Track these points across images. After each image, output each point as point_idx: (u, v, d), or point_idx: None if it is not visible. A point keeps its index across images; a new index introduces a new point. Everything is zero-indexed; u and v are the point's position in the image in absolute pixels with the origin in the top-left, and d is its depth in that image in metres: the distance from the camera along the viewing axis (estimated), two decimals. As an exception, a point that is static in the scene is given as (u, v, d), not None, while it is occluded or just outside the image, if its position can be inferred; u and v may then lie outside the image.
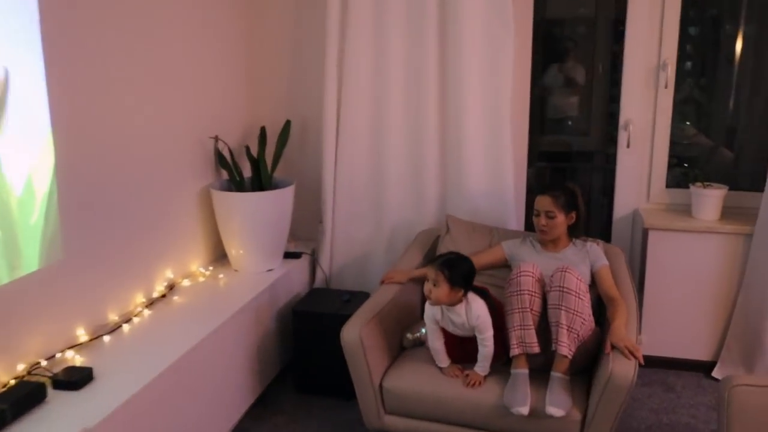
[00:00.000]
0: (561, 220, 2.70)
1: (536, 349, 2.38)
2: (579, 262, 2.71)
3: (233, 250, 3.14)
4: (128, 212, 2.59)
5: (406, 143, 3.31)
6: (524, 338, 2.39)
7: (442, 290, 2.39)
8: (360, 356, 2.48)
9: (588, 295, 2.40)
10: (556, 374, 2.37)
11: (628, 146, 3.32)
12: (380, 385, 2.54)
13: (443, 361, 2.50)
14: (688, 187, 3.29)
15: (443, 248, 3.01)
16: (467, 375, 2.45)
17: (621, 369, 2.22)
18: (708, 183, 3.21)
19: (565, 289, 2.35)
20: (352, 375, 2.56)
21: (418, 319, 3.02)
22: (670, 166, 3.37)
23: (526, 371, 2.40)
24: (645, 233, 3.22)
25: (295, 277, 3.34)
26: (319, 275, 3.49)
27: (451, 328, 2.49)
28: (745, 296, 3.10)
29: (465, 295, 2.45)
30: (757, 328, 3.06)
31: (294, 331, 3.07)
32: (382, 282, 2.86)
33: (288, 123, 3.35)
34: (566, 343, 2.34)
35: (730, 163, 3.68)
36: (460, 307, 2.45)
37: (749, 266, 3.08)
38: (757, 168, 3.46)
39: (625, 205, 3.42)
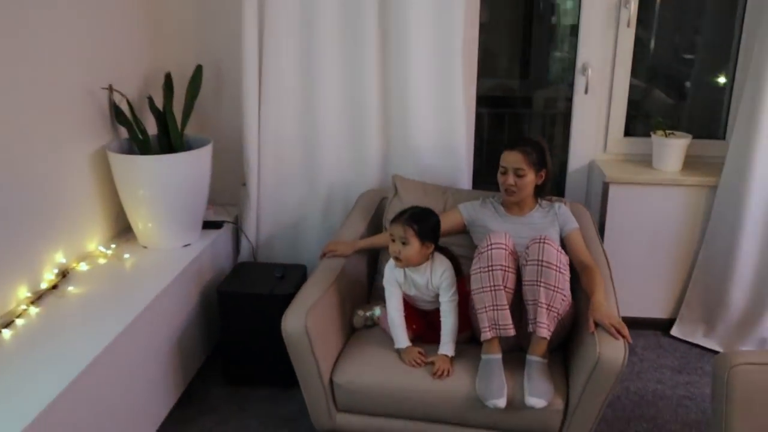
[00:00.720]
0: (530, 179, 2.37)
1: (512, 332, 2.06)
2: (547, 226, 2.41)
3: (140, 224, 2.62)
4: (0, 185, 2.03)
5: (343, 92, 2.85)
6: (498, 320, 2.07)
7: (413, 247, 2.14)
8: (306, 350, 2.09)
9: (568, 268, 2.09)
10: (533, 358, 2.07)
11: (586, 92, 3.02)
12: (330, 380, 2.17)
13: (402, 339, 2.17)
14: (647, 136, 3.04)
15: (391, 213, 2.62)
16: (432, 362, 2.12)
17: (610, 352, 1.94)
18: (670, 132, 2.97)
19: (544, 263, 2.03)
20: (296, 370, 2.17)
21: (368, 295, 2.65)
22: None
23: (499, 356, 2.09)
24: (605, 187, 2.95)
25: (218, 251, 2.87)
26: (245, 246, 3.03)
27: (413, 292, 2.19)
28: (706, 251, 2.93)
29: (432, 252, 2.21)
30: (719, 284, 2.90)
31: (220, 315, 2.62)
32: (323, 256, 2.45)
33: (199, 69, 2.80)
34: (546, 324, 2.04)
35: (669, 107, 3.46)
36: (425, 266, 2.22)
37: (712, 220, 2.89)
38: (703, 113, 3.27)
39: (581, 156, 3.15)
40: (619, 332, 1.97)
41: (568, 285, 2.08)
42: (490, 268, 2.06)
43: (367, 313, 2.41)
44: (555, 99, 3.75)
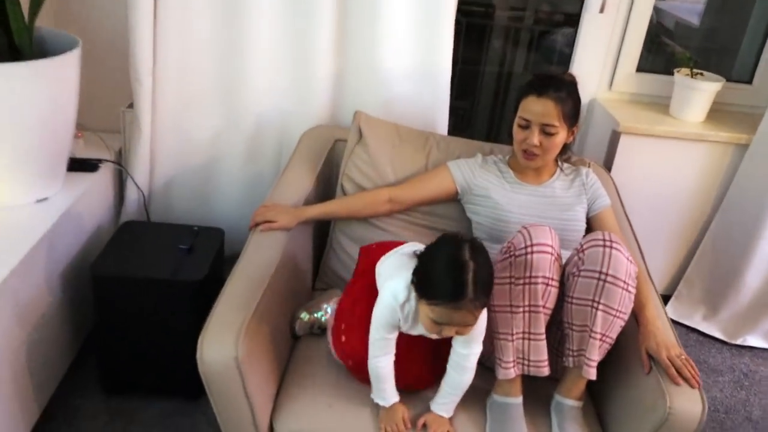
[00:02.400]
0: (561, 139, 1.67)
1: (545, 372, 1.42)
2: (573, 201, 1.75)
3: (-34, 166, 1.69)
4: None
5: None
6: (528, 353, 1.41)
7: (479, 322, 1.34)
8: (236, 391, 1.36)
9: (635, 282, 1.44)
10: (568, 402, 1.46)
11: (601, 10, 2.30)
12: (270, 429, 1.46)
13: (390, 395, 1.44)
14: (668, 74, 2.40)
15: (354, 167, 1.85)
16: (424, 425, 1.43)
17: (684, 405, 1.36)
18: (698, 71, 2.34)
19: (609, 278, 1.37)
20: (219, 416, 1.43)
21: (313, 283, 1.92)
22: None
23: (520, 401, 1.45)
24: (614, 137, 2.31)
25: (91, 206, 1.99)
26: (132, 198, 2.14)
27: (416, 333, 1.41)
28: (722, 220, 2.40)
29: None
30: (731, 261, 2.41)
31: (96, 305, 1.79)
32: (254, 226, 1.67)
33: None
34: (596, 361, 1.41)
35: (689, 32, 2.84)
36: None
37: (736, 184, 2.34)
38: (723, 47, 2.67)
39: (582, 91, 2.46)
40: (682, 374, 1.38)
41: (632, 306, 1.44)
42: (528, 281, 1.37)
43: (314, 315, 1.68)
44: (551, 13, 3.01)
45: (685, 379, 1.37)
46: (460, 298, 1.21)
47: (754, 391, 2.23)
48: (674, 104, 2.38)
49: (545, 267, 1.37)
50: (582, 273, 1.39)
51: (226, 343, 1.33)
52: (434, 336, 1.34)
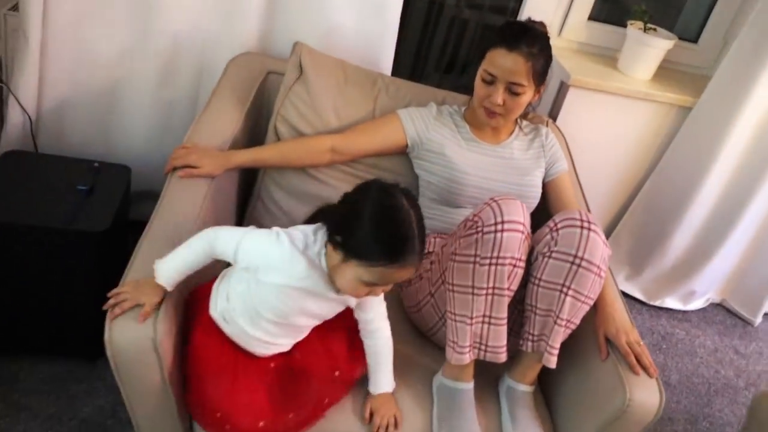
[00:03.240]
0: (527, 99, 1.50)
1: (503, 358, 1.30)
2: (532, 165, 1.60)
3: None
4: None
5: None
6: (487, 338, 1.28)
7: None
8: (153, 381, 1.15)
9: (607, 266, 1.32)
10: (521, 387, 1.37)
11: (561, -53, 2.12)
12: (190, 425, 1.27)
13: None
14: (620, 25, 2.28)
15: (292, 107, 1.61)
16: (371, 413, 1.28)
17: (642, 396, 1.29)
18: (651, 26, 2.22)
19: (584, 263, 1.24)
20: (130, 408, 1.22)
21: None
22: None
23: (472, 386, 1.34)
24: (562, 88, 2.18)
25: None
26: (15, 121, 1.77)
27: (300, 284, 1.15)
28: (655, 181, 2.36)
29: None
30: (660, 223, 2.40)
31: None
32: (171, 170, 1.41)
33: None
34: (557, 349, 1.30)
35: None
36: None
37: (674, 146, 2.30)
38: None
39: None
40: (641, 362, 1.30)
41: (600, 290, 1.33)
42: (495, 261, 1.22)
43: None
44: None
45: (644, 368, 1.30)
46: (407, 256, 1.05)
47: (671, 354, 2.27)
48: (623, 59, 2.26)
49: (515, 247, 1.22)
50: (554, 255, 1.26)
51: (143, 334, 1.10)
52: (348, 299, 1.19)
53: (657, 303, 2.50)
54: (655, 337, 2.34)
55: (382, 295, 1.22)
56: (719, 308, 2.61)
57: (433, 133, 1.58)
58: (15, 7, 1.69)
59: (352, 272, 1.07)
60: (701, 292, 2.52)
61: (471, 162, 1.54)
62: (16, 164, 1.62)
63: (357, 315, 1.26)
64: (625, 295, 2.47)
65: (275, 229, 1.14)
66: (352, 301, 1.21)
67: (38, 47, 1.69)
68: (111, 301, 1.10)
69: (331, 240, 1.09)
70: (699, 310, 2.55)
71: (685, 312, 2.52)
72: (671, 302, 2.50)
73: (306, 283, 1.12)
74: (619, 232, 2.50)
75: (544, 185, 1.63)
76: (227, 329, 1.20)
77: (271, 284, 1.12)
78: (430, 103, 1.66)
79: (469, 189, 1.52)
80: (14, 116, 1.76)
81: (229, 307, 1.19)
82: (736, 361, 2.32)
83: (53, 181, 1.58)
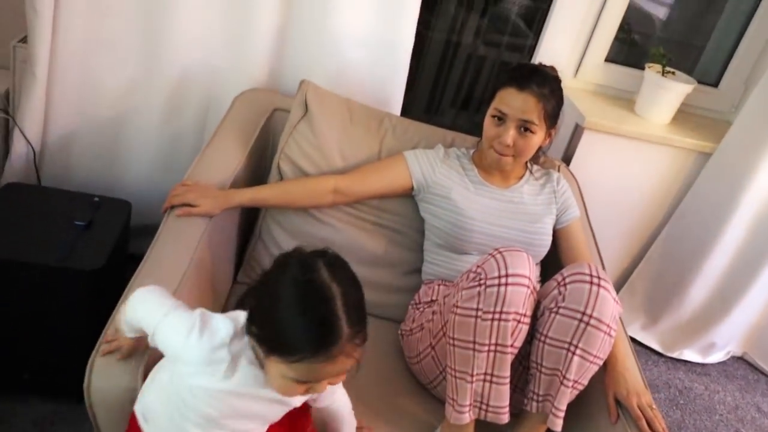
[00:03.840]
0: (538, 141, 1.45)
1: (505, 419, 1.22)
2: (542, 212, 1.54)
3: None
4: None
5: None
6: (488, 398, 1.21)
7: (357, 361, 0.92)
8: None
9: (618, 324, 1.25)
10: (524, 453, 1.28)
11: (578, -10, 2.09)
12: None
13: None
14: (637, 67, 2.23)
15: (296, 145, 1.57)
16: None
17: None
18: (669, 70, 2.17)
19: (593, 321, 1.18)
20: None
21: (233, 282, 1.64)
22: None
23: (472, 448, 1.26)
24: (577, 131, 2.13)
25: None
26: (19, 153, 1.76)
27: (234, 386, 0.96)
28: (672, 229, 2.28)
29: None
30: (678, 272, 2.31)
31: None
32: (168, 208, 1.37)
33: None
34: (563, 412, 1.23)
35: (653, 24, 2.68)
36: None
37: (692, 193, 2.23)
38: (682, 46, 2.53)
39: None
40: (652, 427, 1.22)
41: (610, 350, 1.25)
42: (498, 316, 1.16)
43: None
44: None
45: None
46: (334, 343, 0.85)
47: (689, 411, 2.16)
48: (641, 101, 2.21)
49: (519, 302, 1.16)
50: (561, 311, 1.19)
51: (123, 371, 1.06)
52: (290, 399, 1.00)
53: (675, 354, 2.39)
54: (672, 391, 2.23)
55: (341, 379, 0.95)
56: (741, 362, 2.49)
57: (440, 176, 1.53)
58: (25, 39, 1.69)
59: (276, 369, 0.89)
60: (721, 344, 2.41)
61: (478, 207, 1.49)
62: (16, 197, 1.60)
63: (316, 405, 1.11)
64: (641, 345, 2.41)
65: (198, 312, 0.96)
66: (295, 401, 1.01)
67: (45, 79, 1.69)
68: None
69: (249, 332, 0.91)
70: (719, 364, 2.44)
71: (704, 365, 2.41)
72: (690, 354, 2.39)
73: (231, 384, 0.93)
74: (634, 279, 2.41)
75: (555, 233, 1.57)
76: None
77: (192, 383, 0.94)
78: (438, 145, 1.61)
79: (476, 235, 1.46)
80: (18, 147, 1.74)
81: (150, 402, 1.01)
82: (758, 420, 2.21)
83: (52, 215, 1.55)
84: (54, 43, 1.67)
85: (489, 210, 1.49)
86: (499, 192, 1.53)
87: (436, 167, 1.54)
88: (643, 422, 1.22)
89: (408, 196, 1.58)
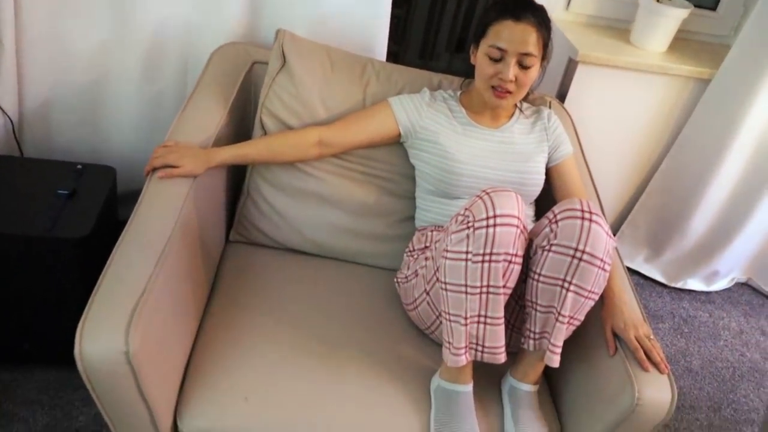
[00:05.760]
0: (536, 73, 1.41)
1: (502, 359, 1.22)
2: (534, 150, 1.51)
3: None
4: None
5: None
6: (483, 339, 1.20)
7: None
8: (129, 391, 1.10)
9: (612, 258, 1.23)
10: (524, 387, 1.29)
11: None
12: (174, 427, 1.22)
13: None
14: (631, -5, 2.15)
15: (276, 99, 1.53)
16: None
17: (653, 394, 1.20)
18: (664, -6, 2.09)
19: (586, 256, 1.15)
20: (107, 418, 1.17)
21: (225, 243, 1.63)
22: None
23: (470, 389, 1.26)
24: (570, 65, 2.07)
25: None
26: (-2, 125, 1.73)
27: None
28: (672, 160, 2.24)
29: None
30: (679, 203, 2.28)
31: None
32: (151, 170, 1.34)
33: None
34: (560, 348, 1.22)
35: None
36: None
37: (691, 121, 2.17)
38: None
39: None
40: (651, 358, 1.22)
41: (605, 284, 1.24)
42: (488, 258, 1.14)
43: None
44: None
45: (654, 364, 1.21)
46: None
47: (693, 339, 2.16)
48: (636, 31, 2.14)
49: (509, 242, 1.14)
50: (554, 248, 1.17)
51: (113, 334, 1.05)
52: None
53: (679, 285, 2.38)
54: (677, 320, 2.23)
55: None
56: (745, 288, 2.49)
57: (427, 120, 1.49)
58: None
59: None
60: (725, 272, 2.40)
61: (467, 150, 1.45)
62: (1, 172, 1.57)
63: None
64: (645, 277, 2.40)
65: None
66: None
67: (13, 47, 1.63)
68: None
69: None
70: (723, 291, 2.44)
71: (708, 293, 2.41)
72: (694, 283, 2.39)
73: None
74: (636, 213, 2.38)
75: (548, 171, 1.54)
76: None
77: None
78: (424, 89, 1.56)
79: (466, 179, 1.43)
80: (-5, 120, 1.71)
81: None
82: (762, 342, 2.21)
83: (35, 185, 1.53)
84: (18, 9, 1.62)
85: (479, 152, 1.46)
86: (489, 132, 1.49)
87: (423, 112, 1.50)
88: (641, 353, 1.21)
89: (396, 143, 1.55)
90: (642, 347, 1.22)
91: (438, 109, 1.51)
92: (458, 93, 1.56)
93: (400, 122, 1.50)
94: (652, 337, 1.24)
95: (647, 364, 1.21)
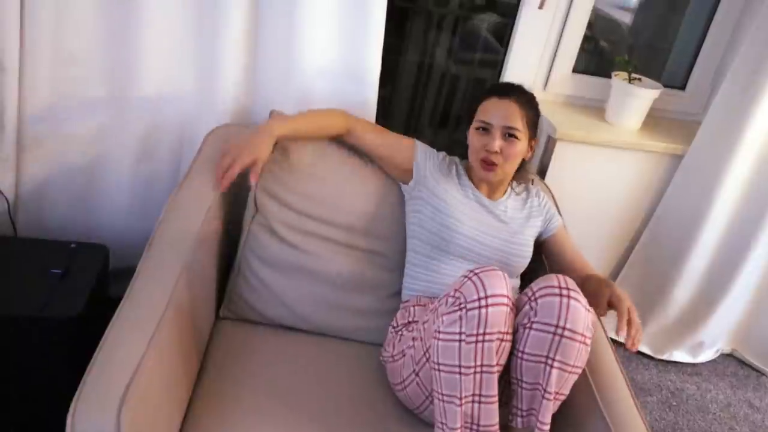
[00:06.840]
0: (522, 149, 1.50)
1: (495, 437, 1.22)
2: (524, 225, 1.57)
3: None
4: None
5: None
6: (479, 418, 1.21)
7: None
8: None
9: (592, 331, 1.27)
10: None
11: (541, 6, 2.12)
12: None
13: None
14: (607, 76, 2.27)
15: (271, 177, 1.58)
16: None
17: None
18: (636, 76, 2.21)
19: (567, 332, 1.19)
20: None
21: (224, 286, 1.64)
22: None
23: (464, 467, 1.26)
24: (551, 143, 2.16)
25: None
26: (-6, 204, 1.77)
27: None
28: (651, 232, 2.31)
29: None
30: (660, 274, 2.33)
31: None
32: (225, 172, 1.43)
33: None
34: (548, 424, 1.23)
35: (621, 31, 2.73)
36: None
37: (668, 196, 2.25)
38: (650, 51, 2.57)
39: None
40: (630, 327, 1.29)
41: (587, 357, 1.26)
42: (482, 338, 1.16)
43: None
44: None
45: (630, 337, 1.27)
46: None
47: (682, 412, 2.16)
48: (610, 109, 2.25)
49: (501, 321, 1.17)
50: (535, 326, 1.20)
51: (104, 414, 1.05)
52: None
53: (665, 357, 2.40)
54: (664, 393, 2.24)
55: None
56: (730, 359, 2.51)
57: (438, 174, 1.58)
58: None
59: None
60: (710, 342, 2.43)
61: (467, 211, 1.52)
62: (-7, 251, 1.59)
63: None
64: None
65: None
66: None
67: (15, 130, 1.69)
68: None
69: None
70: (709, 362, 2.45)
71: (695, 365, 2.42)
72: (679, 355, 2.40)
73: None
74: (619, 285, 2.42)
75: (544, 243, 1.62)
76: None
77: None
78: (441, 151, 1.67)
79: (460, 237, 1.48)
80: (-8, 200, 1.74)
81: None
82: (751, 416, 2.22)
83: (28, 265, 1.54)
84: (21, 93, 1.68)
85: (476, 217, 1.52)
86: (487, 202, 1.56)
87: (437, 165, 1.60)
88: (625, 319, 1.27)
89: (402, 181, 1.63)
90: (629, 317, 1.28)
91: (449, 170, 1.60)
92: (464, 162, 1.64)
93: (416, 160, 1.59)
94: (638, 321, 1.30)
95: (625, 331, 1.26)
